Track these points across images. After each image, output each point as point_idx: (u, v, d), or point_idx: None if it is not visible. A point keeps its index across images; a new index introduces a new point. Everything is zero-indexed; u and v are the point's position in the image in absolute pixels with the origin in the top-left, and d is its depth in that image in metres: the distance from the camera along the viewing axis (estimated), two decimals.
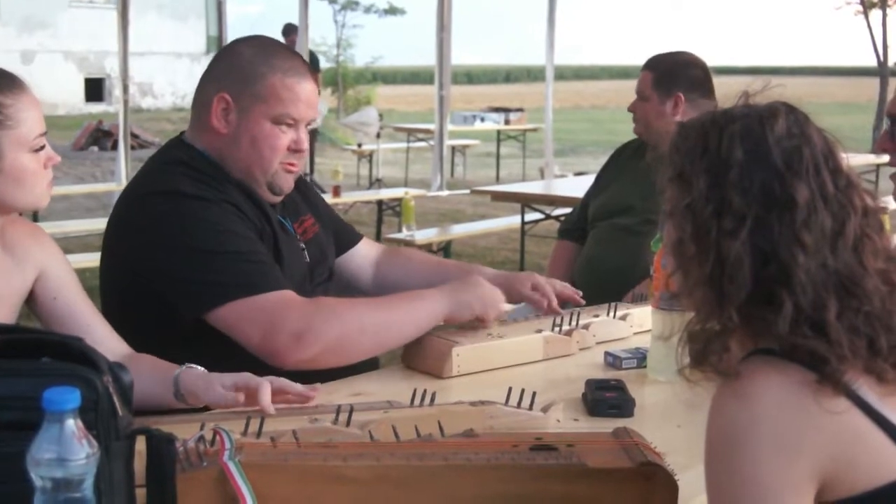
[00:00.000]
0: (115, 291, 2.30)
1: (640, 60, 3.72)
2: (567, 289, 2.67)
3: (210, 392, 1.88)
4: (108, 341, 2.06)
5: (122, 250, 2.27)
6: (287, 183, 2.36)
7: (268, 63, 2.28)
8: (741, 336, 1.35)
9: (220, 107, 2.28)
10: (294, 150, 2.32)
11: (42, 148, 1.94)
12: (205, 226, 2.18)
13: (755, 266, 1.30)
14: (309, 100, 2.33)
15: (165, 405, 1.93)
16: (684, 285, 1.39)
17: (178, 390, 1.92)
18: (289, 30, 12.54)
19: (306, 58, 12.49)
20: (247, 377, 1.88)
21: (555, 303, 2.59)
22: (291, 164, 2.34)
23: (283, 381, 1.90)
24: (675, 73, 3.57)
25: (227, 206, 2.23)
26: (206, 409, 1.90)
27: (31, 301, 2.07)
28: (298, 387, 1.91)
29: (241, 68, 2.29)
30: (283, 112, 2.28)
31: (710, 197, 1.33)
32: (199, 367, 1.96)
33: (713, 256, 1.32)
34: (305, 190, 2.60)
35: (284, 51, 2.38)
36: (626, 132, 3.98)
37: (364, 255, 2.74)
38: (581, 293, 2.69)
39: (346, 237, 2.72)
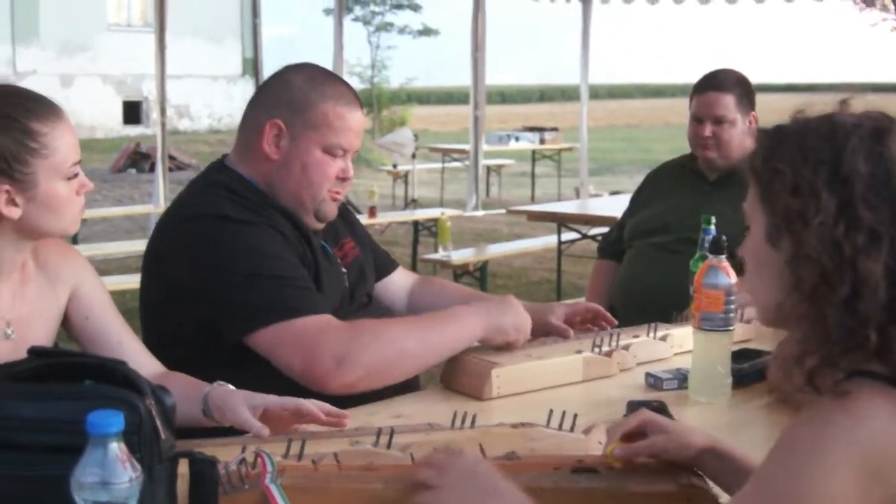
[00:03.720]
0: (155, 313, 2.31)
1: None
2: (595, 308, 2.69)
3: (236, 414, 1.86)
4: (140, 360, 2.06)
5: (164, 271, 2.28)
6: (332, 210, 2.38)
7: (319, 91, 2.30)
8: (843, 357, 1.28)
9: (272, 133, 2.30)
10: (341, 178, 2.34)
11: (76, 175, 1.94)
12: (248, 249, 2.19)
13: (891, 287, 1.25)
14: (358, 129, 2.36)
15: (195, 423, 1.92)
16: (791, 303, 1.32)
17: (206, 407, 1.92)
18: None
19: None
20: (281, 401, 1.88)
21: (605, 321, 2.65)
22: (337, 192, 2.36)
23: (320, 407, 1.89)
24: (748, 92, 3.41)
25: (271, 231, 2.24)
26: (242, 432, 1.88)
27: (66, 322, 2.07)
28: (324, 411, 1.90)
29: (292, 95, 2.30)
30: (334, 142, 2.30)
31: (840, 214, 1.27)
32: (229, 386, 1.95)
33: (849, 276, 1.26)
34: (345, 214, 2.60)
35: (334, 79, 2.40)
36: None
37: (399, 284, 2.74)
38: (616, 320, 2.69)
39: (382, 265, 2.71)
